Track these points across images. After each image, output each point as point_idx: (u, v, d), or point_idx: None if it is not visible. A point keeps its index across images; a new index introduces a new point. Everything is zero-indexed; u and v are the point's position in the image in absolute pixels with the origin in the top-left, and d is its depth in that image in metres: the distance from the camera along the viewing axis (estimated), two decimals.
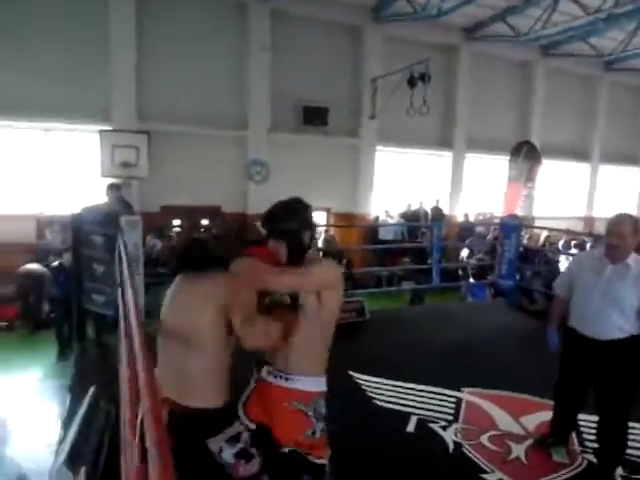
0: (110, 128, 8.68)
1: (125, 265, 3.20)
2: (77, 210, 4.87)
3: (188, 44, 9.26)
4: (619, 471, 3.01)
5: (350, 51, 10.80)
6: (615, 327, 2.81)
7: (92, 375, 3.83)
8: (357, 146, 11.05)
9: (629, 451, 3.20)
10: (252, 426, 2.05)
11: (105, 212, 5.11)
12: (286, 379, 2.01)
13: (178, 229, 8.41)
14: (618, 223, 2.82)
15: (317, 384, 2.07)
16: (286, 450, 1.96)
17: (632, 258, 2.81)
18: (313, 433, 2.00)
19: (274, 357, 2.04)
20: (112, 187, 6.06)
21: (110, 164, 8.32)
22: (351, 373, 4.23)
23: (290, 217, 2.05)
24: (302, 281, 1.97)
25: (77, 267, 4.68)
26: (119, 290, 3.62)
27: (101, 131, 8.48)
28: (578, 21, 10.22)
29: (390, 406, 3.71)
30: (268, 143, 10.06)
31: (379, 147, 11.32)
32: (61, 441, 2.87)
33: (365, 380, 4.13)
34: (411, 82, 9.10)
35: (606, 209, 14.93)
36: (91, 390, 3.17)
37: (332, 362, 4.50)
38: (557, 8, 9.85)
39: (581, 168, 14.56)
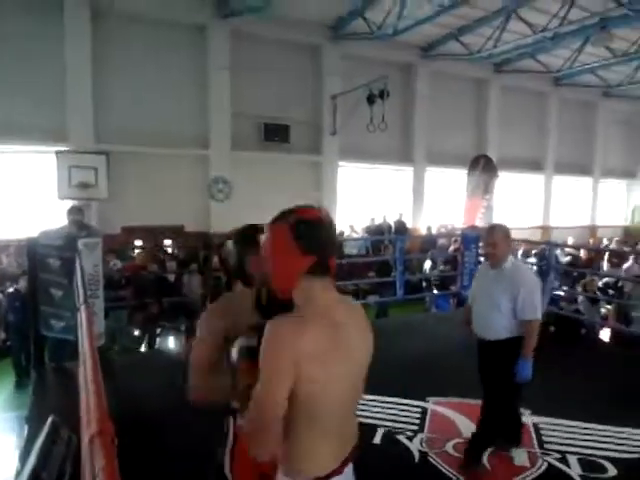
0: (67, 149, 8.51)
1: (81, 290, 3.14)
2: (33, 234, 4.74)
3: (147, 64, 9.24)
4: (578, 470, 3.11)
5: (310, 69, 10.98)
6: (497, 328, 3.04)
7: (51, 403, 3.71)
8: (319, 162, 11.18)
9: (589, 451, 3.32)
10: None
11: (62, 235, 4.99)
12: None
13: (139, 249, 8.28)
14: (490, 233, 3.13)
15: None
16: None
17: (508, 263, 3.08)
18: None
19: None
20: (72, 210, 5.92)
21: (67, 185, 8.15)
22: None
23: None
24: None
25: (33, 292, 4.54)
26: (78, 314, 3.55)
27: (58, 152, 8.31)
28: (527, 39, 10.73)
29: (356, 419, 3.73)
30: (230, 161, 10.06)
31: (341, 163, 11.49)
32: (18, 474, 2.76)
33: None
34: (370, 99, 9.32)
35: (561, 217, 15.56)
36: (50, 419, 3.07)
37: None
38: (507, 27, 10.33)
39: (536, 179, 15.12)
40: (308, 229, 1.38)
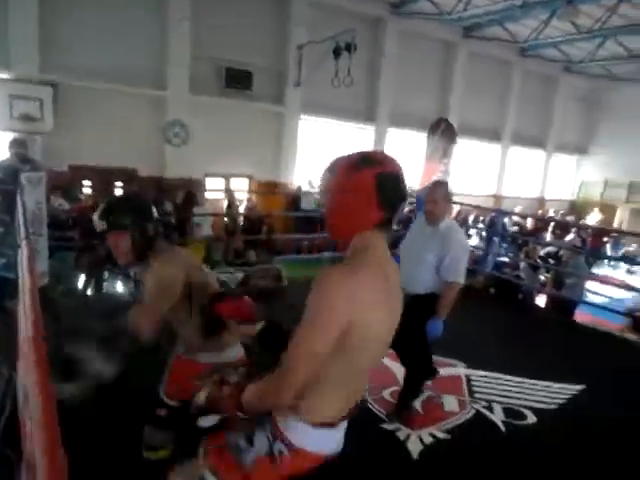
0: (7, 76, 7.92)
1: (22, 226, 3.02)
2: None
3: None
4: (501, 416, 3.36)
5: (276, 14, 10.56)
6: (419, 282, 3.10)
7: None
8: (281, 114, 10.95)
9: (513, 401, 3.58)
10: (173, 403, 2.23)
11: (3, 168, 4.75)
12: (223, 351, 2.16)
13: (89, 190, 7.98)
14: (433, 190, 3.20)
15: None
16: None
17: (445, 223, 3.15)
18: None
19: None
20: (14, 143, 5.61)
21: (9, 117, 7.63)
22: None
23: (129, 210, 2.03)
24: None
25: None
26: (19, 251, 3.42)
27: None
28: (497, 5, 10.71)
29: None
30: (188, 105, 9.69)
31: (303, 116, 11.30)
32: None
33: None
34: (336, 52, 9.11)
35: (513, 188, 16.06)
36: None
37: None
38: None
39: (493, 148, 15.44)
40: (390, 183, 1.32)
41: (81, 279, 6.33)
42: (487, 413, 3.41)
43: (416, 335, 3.04)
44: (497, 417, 3.37)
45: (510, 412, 3.44)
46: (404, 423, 3.17)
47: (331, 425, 1.38)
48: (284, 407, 1.34)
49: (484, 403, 3.54)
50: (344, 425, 1.44)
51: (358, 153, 1.38)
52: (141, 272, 2.09)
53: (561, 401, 3.70)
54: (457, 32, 13.17)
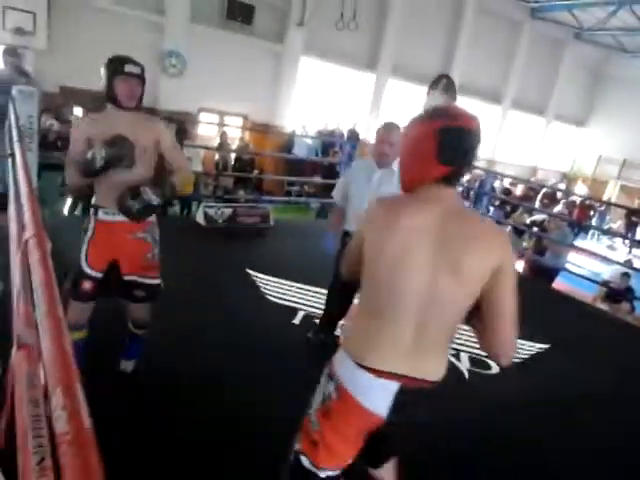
0: None
1: (16, 137, 2.99)
2: None
3: None
4: (467, 365, 3.55)
5: None
6: None
7: None
8: (281, 53, 10.65)
9: (477, 351, 3.76)
10: (96, 274, 2.31)
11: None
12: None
13: (79, 113, 7.80)
14: (390, 130, 2.93)
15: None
16: (130, 279, 2.35)
17: (396, 164, 3.05)
18: (153, 256, 2.40)
19: (107, 199, 2.28)
20: (9, 51, 5.41)
21: (1, 28, 7.34)
22: (248, 271, 4.42)
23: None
24: None
25: None
26: (9, 163, 3.39)
27: None
28: None
29: (281, 302, 3.98)
30: (187, 34, 9.36)
31: (303, 58, 11.01)
32: None
33: (261, 278, 4.34)
34: None
35: (508, 154, 16.02)
36: None
37: (231, 260, 4.66)
38: None
39: (492, 110, 15.27)
40: (453, 139, 1.29)
41: (68, 201, 6.32)
42: (454, 361, 3.59)
43: None
44: (463, 366, 3.56)
45: (476, 362, 3.62)
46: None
47: (377, 373, 1.31)
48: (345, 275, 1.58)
49: (452, 351, 3.71)
50: (392, 389, 1.32)
51: (429, 109, 1.37)
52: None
53: (525, 356, 3.91)
54: None
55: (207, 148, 8.57)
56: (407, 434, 1.49)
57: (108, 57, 2.34)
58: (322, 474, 1.41)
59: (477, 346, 3.72)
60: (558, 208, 11.31)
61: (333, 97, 11.91)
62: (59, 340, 0.70)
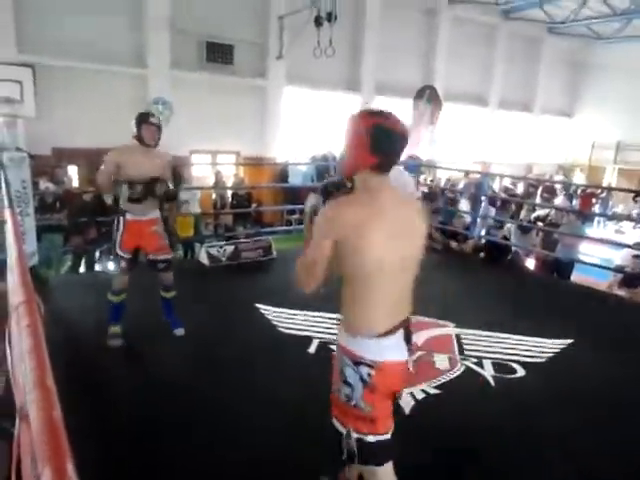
0: None
1: (7, 203, 3.00)
2: None
3: None
4: (491, 371, 3.45)
5: None
6: None
7: None
8: (264, 87, 10.81)
9: (502, 356, 3.67)
10: (128, 255, 3.49)
11: None
12: (144, 214, 3.47)
13: (74, 173, 7.89)
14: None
15: (157, 213, 3.58)
16: (153, 257, 3.58)
17: (395, 170, 3.40)
18: (164, 241, 3.63)
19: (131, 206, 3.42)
20: None
21: None
22: (257, 305, 4.37)
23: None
24: None
25: None
26: (5, 227, 3.40)
27: None
28: None
29: (294, 332, 3.91)
30: (170, 81, 9.53)
31: (287, 88, 11.16)
32: None
33: (270, 311, 4.29)
34: (317, 21, 8.95)
35: (501, 154, 16.04)
36: None
37: (239, 296, 4.60)
38: None
39: (480, 113, 15.36)
40: (382, 134, 1.57)
41: (70, 260, 6.33)
42: (477, 369, 3.50)
43: None
44: (487, 372, 3.46)
45: (500, 367, 3.53)
46: None
47: (385, 334, 1.64)
48: (308, 289, 1.71)
49: (474, 360, 3.62)
50: (401, 335, 1.68)
51: (370, 108, 1.67)
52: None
53: (550, 355, 3.80)
54: None
55: (203, 189, 8.62)
56: None
57: (138, 112, 3.48)
58: (384, 438, 1.73)
59: (499, 350, 3.66)
60: (559, 200, 11.25)
61: (322, 122, 12.02)
62: (48, 413, 0.66)
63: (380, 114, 1.61)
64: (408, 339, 1.71)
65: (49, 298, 4.36)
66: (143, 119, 3.37)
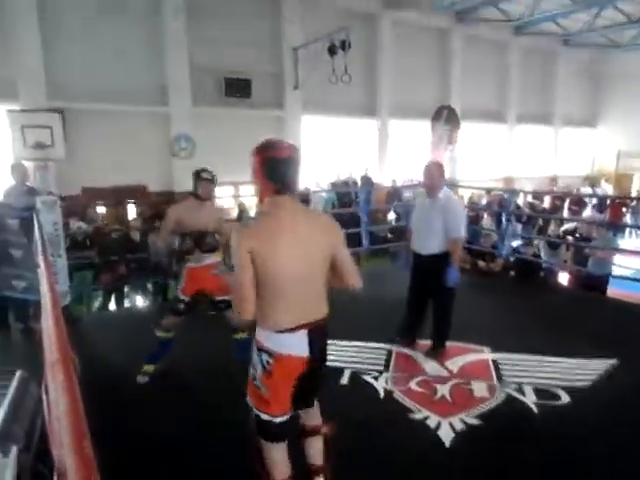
0: (18, 107, 8.09)
1: (40, 249, 3.07)
2: None
3: (100, 16, 8.73)
4: (533, 398, 3.32)
5: (269, 18, 10.60)
6: (431, 245, 3.80)
7: (18, 362, 3.68)
8: (282, 117, 10.99)
9: (544, 381, 3.54)
10: (188, 299, 3.61)
11: (19, 193, 4.87)
12: (203, 261, 3.56)
13: (102, 211, 8.08)
14: (427, 168, 3.86)
15: (214, 258, 3.61)
16: (217, 298, 3.59)
17: (442, 193, 3.80)
18: (224, 282, 3.18)
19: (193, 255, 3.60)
20: (18, 168, 5.64)
21: (22, 146, 7.77)
22: None
23: None
24: None
25: None
26: (39, 271, 3.48)
27: (9, 111, 7.89)
28: None
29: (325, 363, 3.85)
30: (191, 117, 9.78)
31: (305, 117, 11.31)
32: None
33: None
34: (331, 50, 9.11)
35: (524, 168, 15.85)
36: (18, 374, 3.05)
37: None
38: None
39: (499, 129, 15.27)
40: (271, 164, 1.88)
41: (100, 297, 6.43)
42: (518, 396, 3.37)
43: (440, 282, 3.74)
44: (529, 399, 3.32)
45: (542, 393, 3.38)
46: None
47: (289, 331, 1.91)
48: (249, 316, 1.90)
49: (514, 386, 3.49)
50: (304, 334, 1.94)
51: (263, 141, 1.93)
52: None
53: (595, 377, 3.63)
54: (450, 18, 13.09)
55: (227, 221, 8.69)
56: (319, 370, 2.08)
57: (194, 170, 3.75)
58: (277, 420, 2.00)
59: (540, 375, 3.52)
60: (587, 212, 10.99)
61: (340, 147, 12.12)
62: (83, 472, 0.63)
63: (267, 146, 1.90)
64: (312, 338, 1.95)
65: (81, 335, 4.42)
66: (198, 176, 3.64)
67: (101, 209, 8.32)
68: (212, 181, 3.71)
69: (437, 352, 3.93)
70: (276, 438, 2.04)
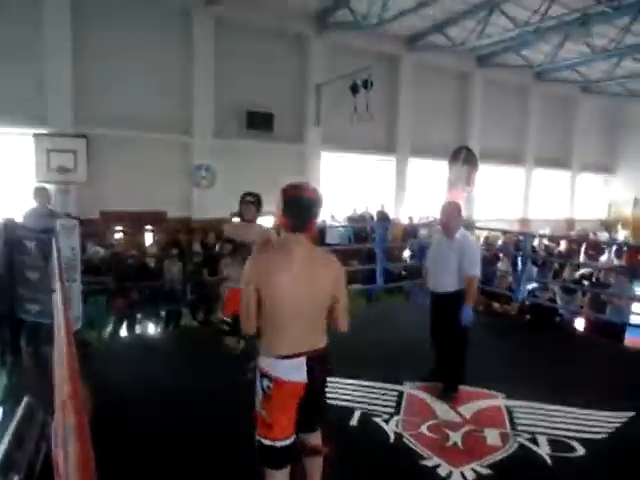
0: (45, 132, 8.35)
1: (57, 270, 3.11)
2: (10, 216, 4.67)
3: (129, 47, 9.09)
4: (547, 450, 3.21)
5: (295, 58, 10.93)
6: (447, 283, 3.85)
7: (27, 387, 3.68)
8: (303, 152, 11.17)
9: (558, 432, 3.43)
10: (229, 319, 3.79)
11: (39, 216, 4.95)
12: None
13: (120, 235, 8.18)
14: (444, 209, 3.97)
15: None
16: None
17: (459, 233, 3.88)
18: None
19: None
20: (41, 192, 5.77)
21: (46, 169, 8.00)
22: None
23: None
24: None
25: (9, 275, 4.48)
26: (54, 297, 3.50)
27: (35, 135, 8.15)
28: (509, 33, 10.82)
29: (335, 402, 3.77)
30: (213, 148, 9.99)
31: (325, 152, 11.48)
32: None
33: None
34: (354, 89, 9.31)
35: (540, 210, 15.80)
36: (25, 400, 3.05)
37: None
38: (490, 21, 10.40)
39: (516, 172, 15.31)
40: (290, 202, 2.08)
41: (113, 322, 6.44)
42: (532, 446, 3.26)
43: (455, 321, 3.77)
44: (543, 450, 3.21)
45: (556, 444, 3.27)
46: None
47: (288, 357, 2.06)
48: (250, 332, 2.12)
49: (528, 435, 3.38)
50: (302, 362, 2.08)
51: (290, 182, 2.15)
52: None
53: (611, 430, 3.51)
54: (471, 62, 13.34)
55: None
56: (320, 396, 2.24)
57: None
58: (278, 444, 2.09)
59: (555, 425, 3.41)
60: (604, 257, 10.82)
61: (358, 182, 12.22)
62: None
63: (292, 187, 2.12)
64: (311, 366, 2.09)
65: (92, 361, 4.41)
66: (242, 199, 3.99)
67: (119, 234, 8.42)
68: (254, 203, 3.96)
69: (449, 395, 3.85)
70: (278, 464, 2.10)
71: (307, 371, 2.07)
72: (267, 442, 2.08)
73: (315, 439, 2.32)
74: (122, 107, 9.07)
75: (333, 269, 2.17)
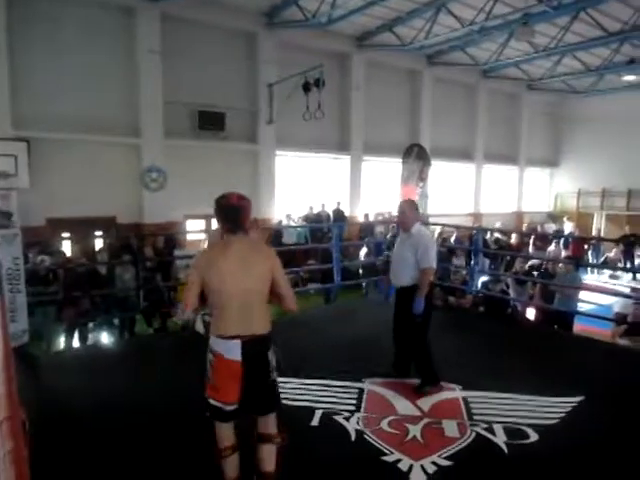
0: None
1: None
2: None
3: (72, 46, 8.75)
4: (503, 438, 3.30)
5: (245, 56, 10.81)
6: (405, 277, 4.00)
7: None
8: (256, 151, 11.07)
9: (513, 419, 3.53)
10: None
11: None
12: None
13: (69, 242, 7.86)
14: (400, 205, 4.18)
15: None
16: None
17: (415, 228, 4.03)
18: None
19: None
20: None
21: None
22: None
23: None
24: None
25: None
26: None
27: None
28: (456, 32, 11.09)
29: (295, 403, 3.75)
30: (163, 150, 9.74)
31: (278, 152, 11.42)
32: None
33: None
34: (306, 87, 9.31)
35: (490, 205, 16.30)
36: None
37: None
38: (437, 20, 10.62)
39: (467, 168, 15.74)
40: (223, 209, 2.48)
41: (63, 333, 6.18)
42: (488, 435, 3.34)
43: (410, 314, 3.92)
44: (499, 439, 3.30)
45: (512, 432, 3.37)
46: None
47: (225, 338, 2.38)
48: (187, 309, 2.42)
49: (484, 425, 3.47)
50: (238, 344, 2.37)
51: (222, 193, 2.52)
52: None
53: (562, 415, 3.65)
54: (421, 60, 13.59)
55: (189, 257, 8.54)
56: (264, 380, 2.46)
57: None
58: (226, 408, 2.43)
59: (510, 413, 3.52)
60: (551, 248, 11.29)
61: (313, 181, 12.23)
62: None
63: (222, 197, 2.49)
64: (247, 349, 2.37)
65: (40, 377, 4.21)
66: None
67: (66, 241, 8.08)
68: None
69: (424, 390, 3.92)
70: (224, 419, 2.48)
71: (243, 353, 2.36)
72: (214, 402, 2.43)
73: (266, 425, 2.53)
74: (65, 109, 8.70)
75: (266, 252, 2.53)
